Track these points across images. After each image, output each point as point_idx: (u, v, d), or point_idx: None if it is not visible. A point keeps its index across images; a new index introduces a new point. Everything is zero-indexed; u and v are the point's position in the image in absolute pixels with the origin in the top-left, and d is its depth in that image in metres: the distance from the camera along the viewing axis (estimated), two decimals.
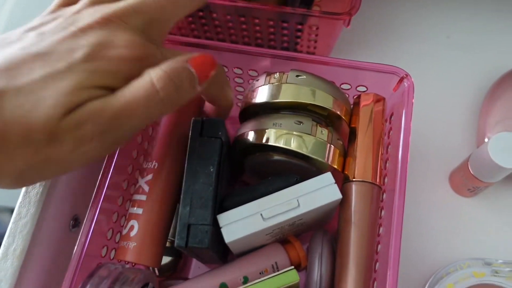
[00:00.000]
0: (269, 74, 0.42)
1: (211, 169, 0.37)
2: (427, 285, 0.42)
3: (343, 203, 0.39)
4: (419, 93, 0.54)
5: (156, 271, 0.45)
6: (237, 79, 0.46)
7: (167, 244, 0.45)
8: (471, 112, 0.52)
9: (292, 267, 0.36)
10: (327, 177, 0.38)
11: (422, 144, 0.51)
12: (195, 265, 0.48)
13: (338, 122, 0.42)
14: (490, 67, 0.53)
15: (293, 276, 0.36)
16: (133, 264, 0.41)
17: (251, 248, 0.42)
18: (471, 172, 0.43)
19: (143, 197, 0.40)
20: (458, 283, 0.40)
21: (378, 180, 0.39)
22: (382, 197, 0.39)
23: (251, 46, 0.45)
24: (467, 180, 0.44)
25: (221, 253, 0.42)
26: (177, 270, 0.46)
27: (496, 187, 0.48)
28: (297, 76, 0.41)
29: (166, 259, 0.45)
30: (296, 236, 0.44)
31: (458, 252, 0.45)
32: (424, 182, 0.49)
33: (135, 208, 0.40)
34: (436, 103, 0.53)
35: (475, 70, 0.54)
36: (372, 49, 0.57)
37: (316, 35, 0.49)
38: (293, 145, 0.38)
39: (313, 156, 0.39)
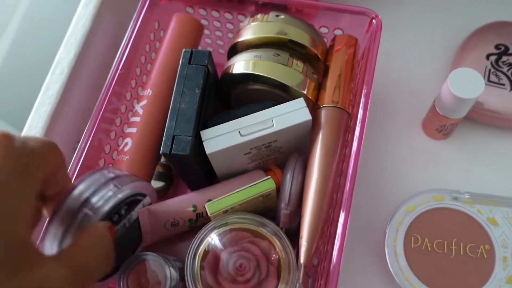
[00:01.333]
0: (252, 15, 0.47)
1: (196, 91, 0.42)
2: (394, 210, 0.46)
3: (314, 127, 0.43)
4: (397, 47, 0.58)
5: None
6: (228, 25, 0.51)
7: (160, 169, 0.51)
8: (446, 63, 0.56)
9: (269, 176, 0.41)
10: (299, 101, 0.42)
11: (397, 94, 0.55)
12: (185, 191, 0.53)
13: (316, 62, 0.47)
14: (464, 24, 0.57)
15: (269, 183, 0.40)
16: None
17: (235, 172, 0.47)
18: (438, 110, 0.47)
19: (137, 119, 0.45)
20: (418, 205, 0.44)
21: (346, 107, 0.43)
22: (350, 123, 0.44)
23: None
24: (435, 119, 0.48)
25: (206, 175, 0.47)
26: (168, 195, 0.51)
27: (465, 129, 0.51)
28: (277, 16, 0.45)
29: (158, 184, 0.50)
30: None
31: (427, 186, 0.48)
32: (399, 128, 0.53)
33: (130, 129, 0.45)
34: (413, 56, 0.57)
35: (451, 26, 0.58)
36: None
37: None
38: (270, 73, 0.43)
39: (287, 84, 0.43)
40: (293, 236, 0.41)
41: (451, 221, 0.43)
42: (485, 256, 0.41)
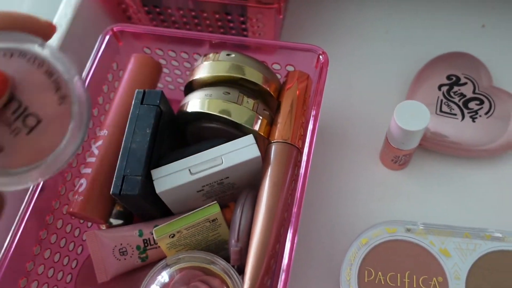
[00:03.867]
0: (205, 55, 0.48)
1: (147, 130, 0.43)
2: (349, 246, 0.46)
3: (264, 163, 0.43)
4: (352, 80, 0.59)
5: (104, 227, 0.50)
6: (185, 63, 0.53)
7: (118, 208, 0.51)
8: (401, 94, 0.57)
9: (215, 202, 0.41)
10: (248, 138, 0.43)
11: (355, 126, 0.56)
12: None
13: (270, 98, 0.48)
14: (419, 57, 0.58)
15: (214, 208, 0.41)
16: (81, 216, 0.46)
17: (189, 209, 0.47)
18: (390, 142, 0.48)
19: (93, 159, 0.46)
20: (372, 238, 0.44)
21: (296, 142, 0.44)
22: (300, 158, 0.44)
23: (191, 31, 0.52)
24: (389, 151, 0.49)
25: (162, 213, 0.47)
26: None
27: (421, 158, 0.52)
28: (228, 54, 0.47)
29: (117, 222, 0.50)
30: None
31: (384, 217, 0.49)
32: (358, 161, 0.54)
33: (86, 169, 0.46)
34: (369, 88, 0.58)
35: (406, 60, 0.59)
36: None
37: (258, 26, 0.55)
38: (220, 111, 0.44)
39: (237, 121, 0.44)
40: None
41: (404, 253, 0.43)
42: None
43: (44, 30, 0.26)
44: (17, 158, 0.24)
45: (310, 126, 0.42)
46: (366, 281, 0.42)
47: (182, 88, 0.57)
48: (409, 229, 0.44)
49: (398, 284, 0.41)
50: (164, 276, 0.40)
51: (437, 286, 0.41)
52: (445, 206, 0.49)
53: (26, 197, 0.42)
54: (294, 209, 0.39)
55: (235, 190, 0.47)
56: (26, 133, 0.24)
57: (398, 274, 0.42)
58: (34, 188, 0.42)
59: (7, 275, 0.39)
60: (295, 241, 0.37)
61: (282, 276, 0.36)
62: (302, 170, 0.40)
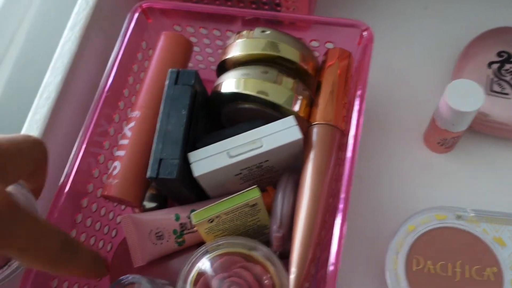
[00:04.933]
0: (239, 32, 0.45)
1: (183, 112, 0.41)
2: (394, 233, 0.44)
3: (306, 146, 0.41)
4: (394, 58, 0.56)
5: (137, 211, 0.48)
6: (217, 41, 0.50)
7: (152, 191, 0.49)
8: (446, 73, 0.54)
9: (255, 186, 0.39)
10: (289, 119, 0.41)
11: (397, 107, 0.53)
12: None
13: (307, 77, 0.45)
14: (464, 31, 0.54)
15: (254, 192, 0.39)
16: (116, 200, 0.45)
17: (227, 193, 0.46)
18: (437, 124, 0.45)
19: (126, 142, 0.44)
20: (420, 225, 0.42)
21: (339, 124, 0.41)
22: (344, 140, 0.42)
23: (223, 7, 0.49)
24: (435, 133, 0.46)
25: (197, 197, 0.45)
26: None
27: (468, 142, 0.49)
28: (262, 31, 0.44)
29: (151, 205, 0.49)
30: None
31: (430, 203, 0.46)
32: (400, 143, 0.51)
33: (119, 151, 0.44)
34: (412, 67, 0.55)
35: (451, 34, 0.56)
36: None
37: (292, 1, 0.52)
38: (258, 92, 0.42)
39: (276, 102, 0.42)
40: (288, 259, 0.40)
41: (455, 241, 0.41)
42: (492, 279, 0.39)
43: None
44: None
45: (356, 107, 0.40)
46: (414, 270, 0.40)
47: (214, 67, 0.55)
48: (459, 216, 0.42)
49: (449, 274, 0.39)
50: (204, 263, 0.39)
51: (492, 277, 0.39)
52: (495, 192, 0.47)
53: (61, 181, 0.40)
54: (342, 194, 0.36)
55: (273, 174, 0.45)
56: None
57: (449, 264, 0.40)
58: (68, 172, 0.41)
59: None
60: (344, 228, 0.35)
61: (331, 266, 0.34)
62: (349, 154, 0.38)
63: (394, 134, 0.51)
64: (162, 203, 0.50)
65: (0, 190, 0.23)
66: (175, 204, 0.49)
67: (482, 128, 0.48)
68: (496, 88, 0.47)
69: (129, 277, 0.38)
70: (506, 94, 0.47)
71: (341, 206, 0.36)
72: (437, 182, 0.48)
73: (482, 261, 0.40)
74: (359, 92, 0.40)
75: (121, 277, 0.38)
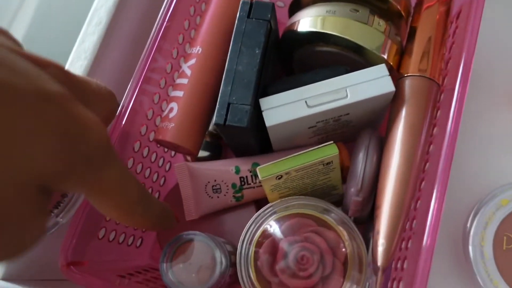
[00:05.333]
0: None
1: (256, 51, 0.36)
2: (480, 203, 0.39)
3: (396, 100, 0.36)
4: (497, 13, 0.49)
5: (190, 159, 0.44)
6: None
7: (206, 138, 0.45)
8: None
9: (332, 142, 0.35)
10: (381, 68, 0.35)
11: (493, 67, 0.46)
12: None
13: (398, 20, 0.39)
14: None
15: (331, 148, 0.34)
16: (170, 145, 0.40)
17: (293, 146, 0.41)
18: None
19: (184, 81, 0.39)
20: None
21: (436, 77, 0.35)
22: (440, 97, 0.36)
23: None
24: None
25: (260, 148, 0.41)
26: None
27: None
28: None
29: (204, 154, 0.44)
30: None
31: None
32: (492, 108, 0.45)
33: (176, 92, 0.39)
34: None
35: None
36: None
37: None
38: (345, 32, 0.36)
39: (365, 46, 0.36)
40: (361, 226, 0.36)
41: None
42: None
43: None
44: None
45: (463, 59, 0.34)
46: (504, 248, 0.36)
47: (281, 3, 0.48)
48: None
49: None
50: (272, 225, 0.35)
51: None
52: None
53: (113, 121, 0.36)
54: (442, 161, 0.31)
55: (349, 129, 0.40)
56: None
57: None
58: (123, 110, 0.36)
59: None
60: (444, 200, 0.30)
61: (428, 240, 0.29)
62: (452, 113, 0.32)
63: (486, 97, 0.45)
64: (216, 153, 0.45)
65: (99, 122, 0.19)
66: (231, 155, 0.45)
67: None
68: None
69: (190, 234, 0.34)
70: None
71: (439, 174, 0.31)
72: None
73: None
74: (468, 42, 0.34)
75: (181, 233, 0.34)
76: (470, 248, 0.36)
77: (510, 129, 0.44)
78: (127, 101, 0.36)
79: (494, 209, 0.37)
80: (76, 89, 0.21)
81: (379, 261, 0.31)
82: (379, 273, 0.30)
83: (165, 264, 0.34)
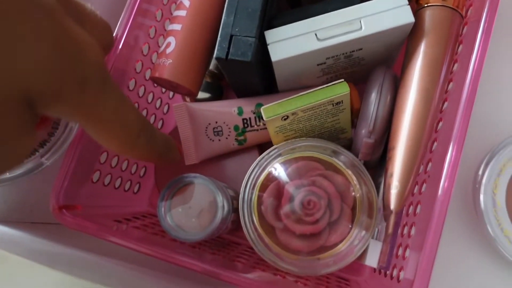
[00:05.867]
0: None
1: None
2: (493, 150, 0.37)
3: (414, 33, 0.33)
4: None
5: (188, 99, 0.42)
6: None
7: (206, 79, 0.42)
8: None
9: (342, 80, 0.32)
10: None
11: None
12: None
13: None
14: None
15: (342, 87, 0.32)
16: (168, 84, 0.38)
17: (299, 86, 0.38)
18: None
19: (183, 13, 0.36)
20: None
21: (459, 7, 0.32)
22: (462, 31, 0.33)
23: None
24: None
25: (264, 88, 0.38)
26: None
27: None
28: None
29: (204, 95, 0.42)
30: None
31: None
32: (504, 43, 0.42)
33: (174, 25, 0.36)
34: None
35: None
36: None
37: None
38: None
39: None
40: (370, 171, 0.33)
41: None
42: None
43: None
44: None
45: None
46: None
47: None
48: None
49: None
50: (277, 168, 0.32)
51: None
52: None
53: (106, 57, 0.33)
54: (463, 101, 0.29)
55: (360, 68, 0.37)
56: None
57: None
58: (115, 45, 0.33)
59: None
60: (463, 143, 0.28)
61: (445, 183, 0.27)
62: (477, 48, 0.29)
63: (497, 30, 0.42)
64: (217, 94, 0.42)
65: (95, 43, 0.18)
66: (233, 96, 0.42)
67: None
68: None
69: (190, 176, 0.32)
70: None
71: (459, 121, 0.28)
72: None
73: None
74: None
75: (182, 175, 0.32)
76: (482, 196, 0.34)
77: None
78: (119, 34, 0.33)
79: (510, 156, 0.35)
80: (72, 10, 0.19)
81: (392, 205, 0.29)
82: (392, 217, 0.28)
83: (163, 208, 0.32)
